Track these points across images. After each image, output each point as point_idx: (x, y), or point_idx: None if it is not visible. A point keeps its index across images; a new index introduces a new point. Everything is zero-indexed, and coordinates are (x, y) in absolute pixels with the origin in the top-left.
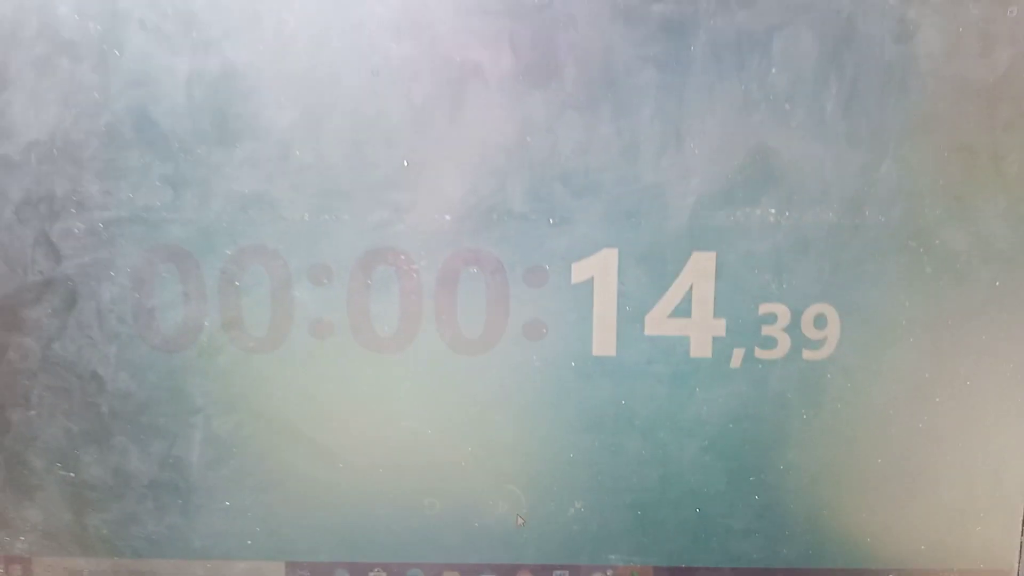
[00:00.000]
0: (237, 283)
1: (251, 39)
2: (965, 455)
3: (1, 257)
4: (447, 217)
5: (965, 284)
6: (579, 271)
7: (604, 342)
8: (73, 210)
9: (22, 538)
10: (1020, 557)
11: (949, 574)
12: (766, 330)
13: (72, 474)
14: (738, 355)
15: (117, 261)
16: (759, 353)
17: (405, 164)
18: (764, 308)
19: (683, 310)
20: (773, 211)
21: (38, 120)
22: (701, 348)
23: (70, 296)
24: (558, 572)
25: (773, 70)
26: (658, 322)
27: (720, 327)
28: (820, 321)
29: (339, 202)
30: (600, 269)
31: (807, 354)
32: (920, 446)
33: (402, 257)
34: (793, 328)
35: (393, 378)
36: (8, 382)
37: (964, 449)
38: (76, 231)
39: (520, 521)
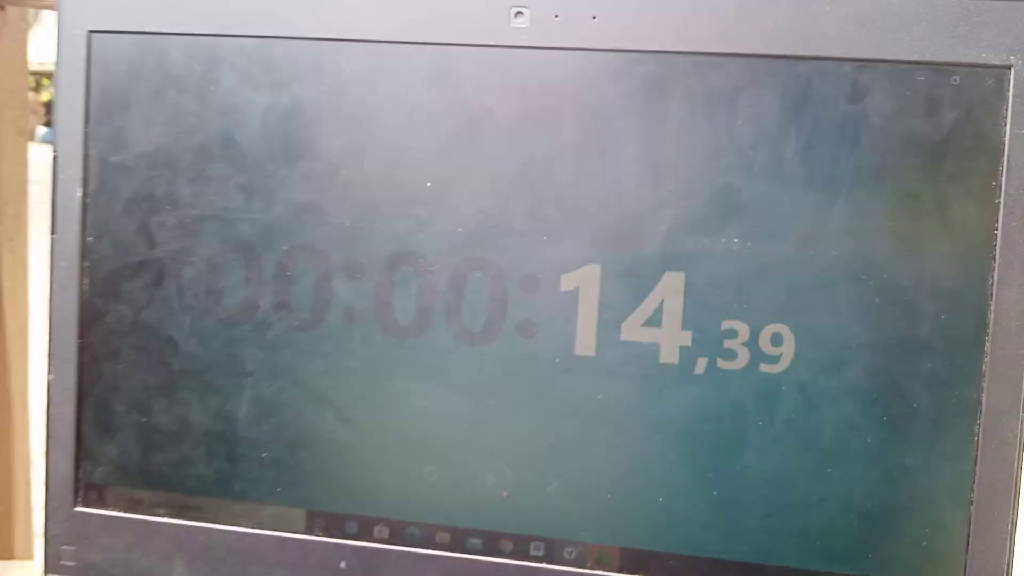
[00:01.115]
0: (289, 273)
1: (314, 82)
2: (910, 472)
3: (110, 240)
4: (459, 230)
5: (911, 316)
6: (567, 281)
7: (585, 344)
8: (168, 207)
9: (99, 469)
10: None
11: None
12: (728, 343)
13: (144, 419)
14: (702, 363)
15: (197, 249)
16: (721, 363)
17: (428, 185)
18: (726, 324)
19: (655, 321)
20: (736, 240)
21: (147, 136)
22: (670, 355)
23: (159, 275)
24: (535, 543)
25: (739, 122)
26: (633, 330)
27: (687, 338)
28: (776, 339)
29: (374, 213)
30: (585, 281)
31: (764, 367)
32: (868, 460)
33: (420, 260)
34: (752, 343)
35: (407, 361)
36: (103, 340)
37: (909, 466)
38: (168, 224)
39: (505, 494)
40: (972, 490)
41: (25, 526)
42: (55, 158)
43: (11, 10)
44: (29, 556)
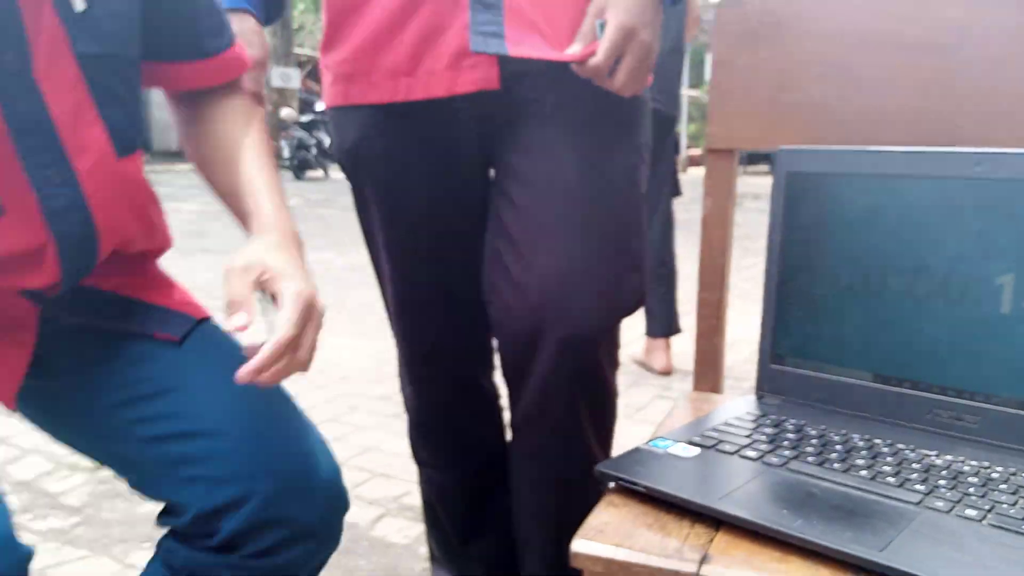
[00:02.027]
0: (863, 260)
1: (885, 187)
2: None
3: (789, 240)
4: (956, 255)
5: None
6: (999, 281)
7: (1006, 305)
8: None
9: (782, 346)
10: None
11: None
12: None
13: (806, 322)
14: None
15: (830, 250)
16: None
17: (940, 230)
18: None
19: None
20: None
21: (808, 213)
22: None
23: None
24: (950, 390)
25: None
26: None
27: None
28: None
29: (917, 248)
30: (1006, 281)
31: None
32: None
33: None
34: None
35: (927, 314)
36: (787, 279)
37: None
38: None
39: (944, 368)
40: None
41: (722, 377)
42: (771, 223)
43: None
44: (722, 391)
